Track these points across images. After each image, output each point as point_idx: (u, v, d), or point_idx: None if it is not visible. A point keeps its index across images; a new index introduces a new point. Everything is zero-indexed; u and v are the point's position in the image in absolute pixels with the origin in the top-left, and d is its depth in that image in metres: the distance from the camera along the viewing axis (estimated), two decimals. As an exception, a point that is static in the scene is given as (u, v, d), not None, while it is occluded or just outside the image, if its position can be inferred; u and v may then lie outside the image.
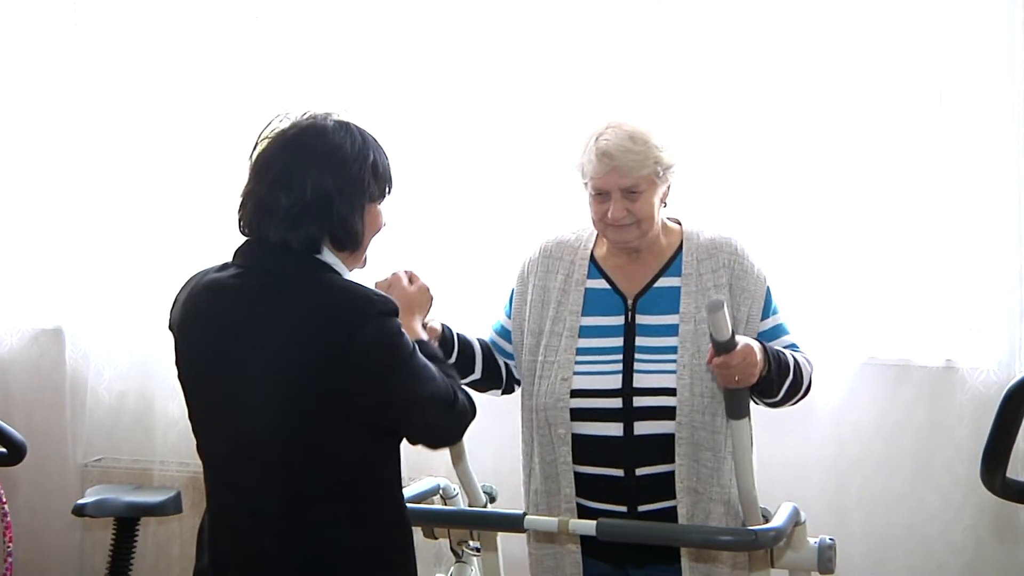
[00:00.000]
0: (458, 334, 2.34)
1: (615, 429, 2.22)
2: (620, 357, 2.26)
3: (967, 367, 2.79)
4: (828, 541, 2.28)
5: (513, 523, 2.22)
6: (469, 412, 1.93)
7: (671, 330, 2.25)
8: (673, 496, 2.21)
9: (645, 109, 2.84)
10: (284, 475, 1.79)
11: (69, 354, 3.57)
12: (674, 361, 2.22)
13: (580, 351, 2.28)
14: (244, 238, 1.88)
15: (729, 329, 2.00)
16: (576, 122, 2.75)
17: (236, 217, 1.89)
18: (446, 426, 1.92)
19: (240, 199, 1.88)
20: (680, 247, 2.31)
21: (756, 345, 2.10)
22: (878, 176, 2.89)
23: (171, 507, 3.21)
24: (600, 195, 2.24)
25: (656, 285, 2.30)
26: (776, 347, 2.22)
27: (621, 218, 2.22)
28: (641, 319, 2.28)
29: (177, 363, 1.94)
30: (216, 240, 3.34)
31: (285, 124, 1.88)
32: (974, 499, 2.77)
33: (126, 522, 3.20)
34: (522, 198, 3.15)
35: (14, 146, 3.63)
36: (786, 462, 2.89)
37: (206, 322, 1.86)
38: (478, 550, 2.54)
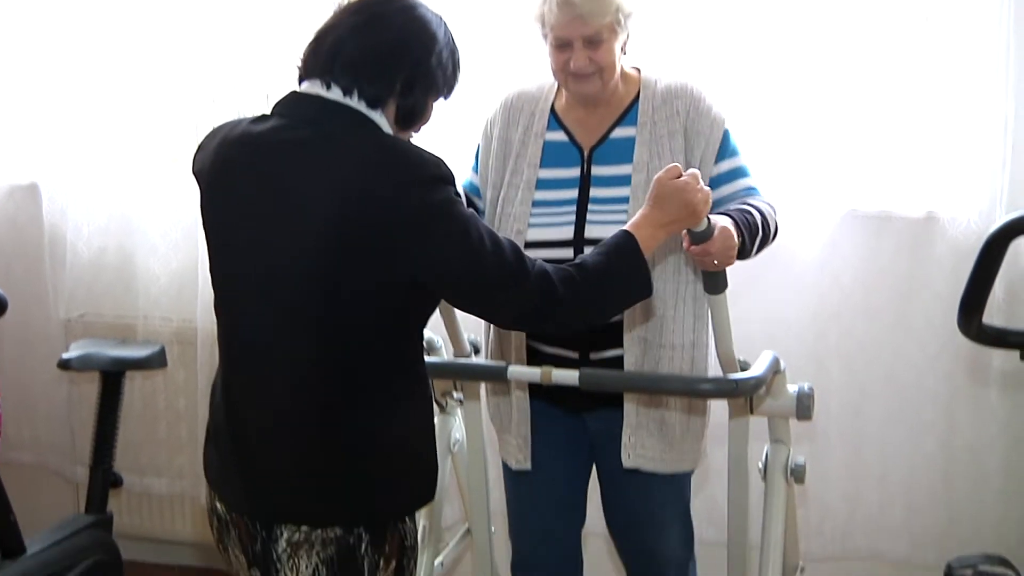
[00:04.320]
0: None
1: None
2: (574, 209, 2.25)
3: (948, 217, 2.80)
4: (807, 389, 2.32)
5: (496, 374, 2.25)
6: (546, 297, 1.76)
7: (625, 181, 2.24)
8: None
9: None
10: (311, 335, 1.74)
11: (46, 209, 3.52)
12: (625, 212, 2.21)
13: (536, 203, 2.28)
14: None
15: (705, 219, 1.97)
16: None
17: (300, 58, 1.81)
18: (503, 305, 1.78)
19: (313, 37, 1.80)
20: (637, 96, 2.29)
21: (731, 226, 2.07)
22: (860, 26, 2.83)
23: (156, 361, 3.22)
24: (561, 45, 2.20)
25: (612, 136, 2.28)
26: (740, 205, 2.20)
27: (583, 67, 2.19)
28: (596, 170, 2.27)
29: (203, 214, 1.88)
30: (196, 94, 3.30)
31: None
32: (951, 347, 2.82)
33: (111, 376, 3.22)
34: (488, 53, 3.05)
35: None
36: (766, 313, 2.92)
37: (240, 175, 1.79)
38: (461, 401, 2.57)
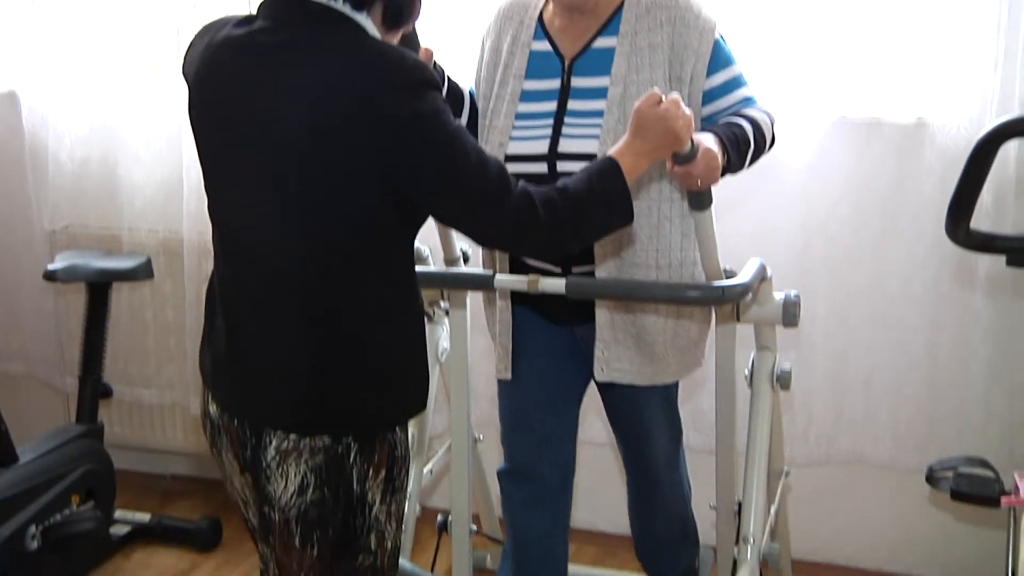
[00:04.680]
0: (448, 76, 2.27)
1: None
2: (551, 122, 2.22)
3: (938, 123, 2.78)
4: (793, 296, 2.32)
5: (483, 283, 2.25)
6: (524, 217, 1.72)
7: (602, 93, 2.20)
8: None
9: None
10: (300, 241, 1.73)
11: (26, 119, 3.48)
12: (599, 127, 2.17)
13: (519, 116, 2.25)
14: None
15: (689, 141, 1.93)
16: None
17: None
18: (480, 223, 1.76)
19: None
20: (621, 5, 2.22)
21: (715, 145, 2.03)
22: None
23: (142, 272, 3.22)
24: None
25: (593, 46, 2.23)
26: (729, 119, 2.17)
27: None
28: (576, 82, 2.23)
29: (190, 114, 1.85)
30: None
31: None
32: (937, 253, 2.82)
33: (98, 287, 3.22)
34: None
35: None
36: (754, 221, 2.91)
37: (224, 80, 1.76)
38: (448, 311, 2.58)
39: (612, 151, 1.85)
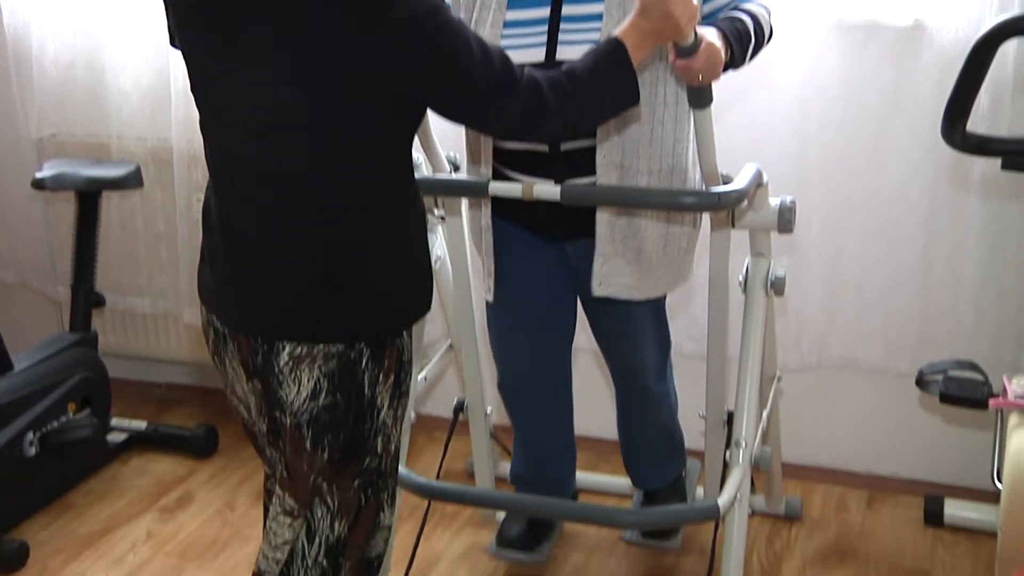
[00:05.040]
0: None
1: None
2: (545, 29, 2.17)
3: (936, 26, 2.74)
4: (788, 202, 2.31)
5: (478, 190, 2.23)
6: (533, 103, 1.73)
7: None
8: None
9: None
10: (297, 146, 1.71)
11: (8, 23, 3.41)
12: (599, 30, 2.13)
13: (507, 24, 2.19)
14: None
15: (692, 33, 1.89)
16: None
17: None
18: (489, 112, 1.75)
19: None
20: None
21: (718, 39, 2.00)
22: None
23: (132, 181, 3.19)
24: None
25: None
26: (732, 14, 2.14)
27: None
28: None
29: (177, 28, 1.82)
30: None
31: None
32: (933, 157, 2.80)
33: (87, 196, 3.19)
34: None
35: None
36: (748, 127, 2.89)
37: None
38: (443, 218, 2.57)
39: (616, 32, 1.84)
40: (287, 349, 1.80)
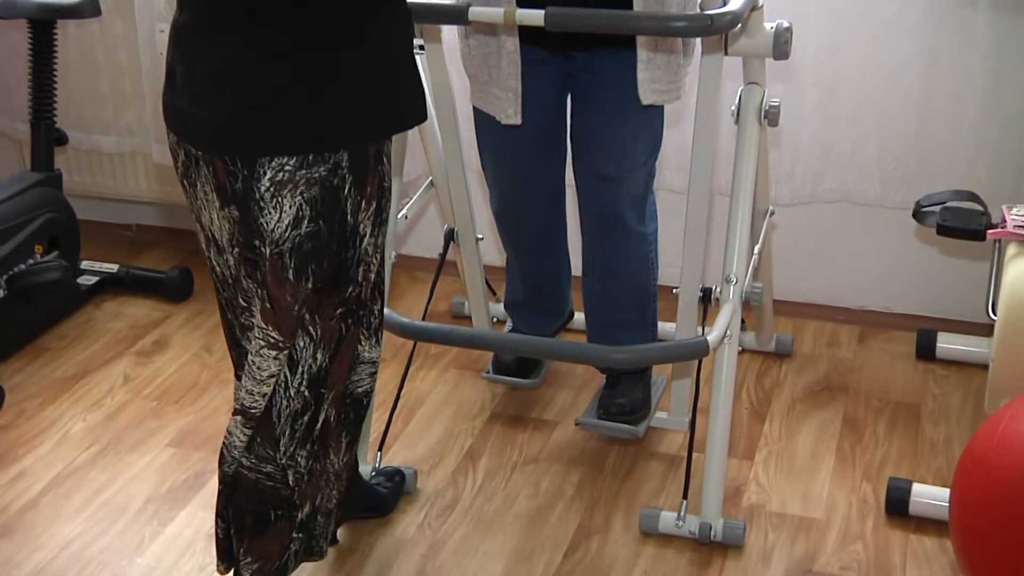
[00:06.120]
0: None
1: None
2: None
3: None
4: (784, 25, 2.18)
5: (457, 16, 2.10)
6: None
7: None
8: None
9: None
10: None
11: None
12: None
13: None
14: None
15: None
16: None
17: None
18: None
19: None
20: None
21: None
22: None
23: (88, 9, 3.01)
24: None
25: None
26: None
27: None
28: None
29: None
30: None
31: None
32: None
33: (41, 24, 3.03)
34: None
35: None
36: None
37: None
38: (422, 47, 2.43)
39: None
40: (268, 174, 1.72)
